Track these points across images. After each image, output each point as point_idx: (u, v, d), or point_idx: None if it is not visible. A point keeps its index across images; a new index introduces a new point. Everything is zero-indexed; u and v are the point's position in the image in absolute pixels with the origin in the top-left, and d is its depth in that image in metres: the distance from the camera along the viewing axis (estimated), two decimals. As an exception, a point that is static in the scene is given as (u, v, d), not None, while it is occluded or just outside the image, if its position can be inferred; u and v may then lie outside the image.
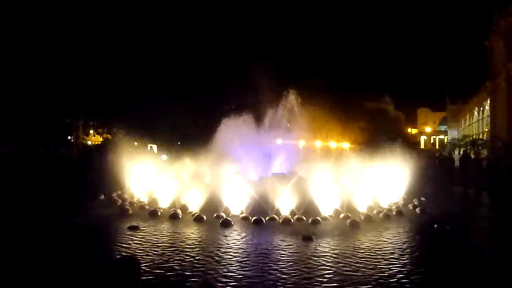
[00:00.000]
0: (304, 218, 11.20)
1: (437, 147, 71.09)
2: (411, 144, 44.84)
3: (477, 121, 52.63)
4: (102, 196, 14.58)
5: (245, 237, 9.47)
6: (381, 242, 9.06)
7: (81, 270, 6.71)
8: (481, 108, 50.01)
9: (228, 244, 8.72)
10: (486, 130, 46.53)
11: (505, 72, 38.38)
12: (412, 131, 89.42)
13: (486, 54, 46.12)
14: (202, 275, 6.59)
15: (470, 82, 53.70)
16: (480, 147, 39.43)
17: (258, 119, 17.95)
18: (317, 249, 8.29)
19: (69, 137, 41.23)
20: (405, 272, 6.93)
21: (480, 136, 47.63)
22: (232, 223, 10.55)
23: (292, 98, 17.75)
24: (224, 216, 11.16)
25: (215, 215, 11.32)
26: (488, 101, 45.22)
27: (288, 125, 17.88)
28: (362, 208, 12.70)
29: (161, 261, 7.34)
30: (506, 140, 35.41)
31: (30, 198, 13.96)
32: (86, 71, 35.71)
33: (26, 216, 11.11)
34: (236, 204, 12.02)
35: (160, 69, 39.08)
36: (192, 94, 38.95)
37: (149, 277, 6.41)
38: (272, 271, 6.86)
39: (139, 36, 39.04)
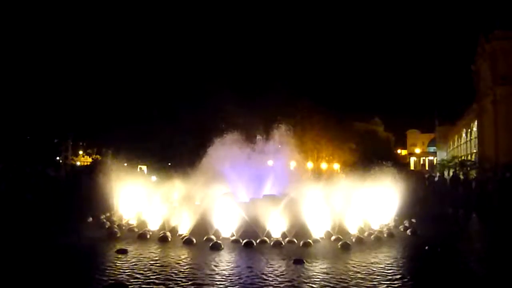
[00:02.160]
0: (295, 241, 11.09)
1: (426, 168, 71.69)
2: (401, 165, 45.15)
3: (465, 143, 53.35)
4: (90, 218, 14.34)
5: (235, 260, 9.34)
6: (373, 264, 8.98)
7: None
8: (469, 130, 50.80)
9: (218, 267, 8.57)
10: (475, 151, 47.16)
11: (491, 95, 39.23)
12: (401, 152, 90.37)
13: (472, 77, 47.17)
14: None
15: (458, 104, 54.66)
16: (469, 168, 39.91)
17: (249, 140, 17.96)
18: (308, 272, 8.18)
19: (57, 158, 40.75)
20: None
21: (469, 157, 48.22)
22: (222, 246, 10.39)
23: (283, 120, 17.86)
24: (214, 239, 11.01)
25: (205, 238, 11.16)
26: (476, 123, 45.99)
27: (279, 146, 17.88)
28: (353, 230, 12.65)
29: (149, 285, 7.17)
30: (494, 161, 35.91)
31: (16, 220, 13.68)
32: (76, 91, 35.60)
33: (12, 238, 10.86)
34: (227, 226, 11.88)
35: (149, 89, 39.12)
36: (182, 115, 38.93)
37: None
38: (263, 296, 6.74)
39: (129, 56, 39.17)
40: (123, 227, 13.03)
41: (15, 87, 32.22)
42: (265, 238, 11.18)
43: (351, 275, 8.03)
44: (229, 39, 48.89)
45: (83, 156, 47.41)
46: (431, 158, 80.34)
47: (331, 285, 7.34)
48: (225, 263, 9.04)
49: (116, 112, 36.44)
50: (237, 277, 7.82)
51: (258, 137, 17.94)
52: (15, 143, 32.09)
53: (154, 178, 23.27)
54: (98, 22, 39.00)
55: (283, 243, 10.89)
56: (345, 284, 7.38)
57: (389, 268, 8.68)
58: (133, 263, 8.70)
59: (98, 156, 38.19)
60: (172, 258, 9.28)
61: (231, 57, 43.26)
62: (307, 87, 49.99)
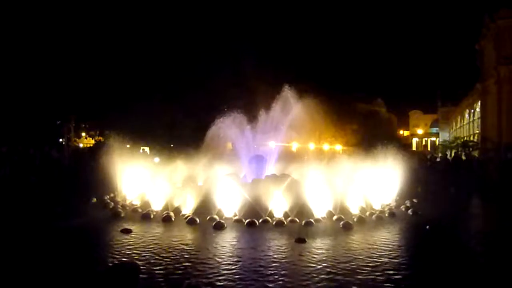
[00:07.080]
0: (297, 220, 11.21)
1: (428, 149, 71.64)
2: (403, 146, 45.11)
3: (468, 123, 53.13)
4: (94, 199, 14.47)
5: (238, 239, 9.46)
6: (374, 243, 9.09)
7: (77, 274, 6.66)
8: (472, 110, 50.50)
9: (221, 246, 8.71)
10: (477, 132, 46.96)
11: (495, 74, 38.81)
12: (404, 133, 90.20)
13: (476, 57, 46.62)
14: (193, 278, 6.57)
15: (461, 85, 54.26)
16: (471, 149, 39.85)
17: (251, 121, 17.94)
18: (310, 251, 8.30)
19: (60, 140, 40.85)
20: (398, 273, 6.96)
21: (471, 138, 48.04)
22: (225, 225, 10.52)
23: (285, 100, 17.78)
24: (217, 218, 11.13)
25: (208, 217, 11.28)
26: (479, 103, 45.68)
27: (281, 127, 17.87)
28: (354, 209, 12.75)
29: (153, 264, 7.30)
30: (496, 142, 35.82)
31: (21, 201, 13.82)
32: (78, 73, 35.52)
33: (17, 219, 11.00)
34: (229, 206, 12.00)
35: (152, 70, 38.94)
36: (184, 96, 38.83)
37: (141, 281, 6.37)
38: (265, 274, 6.85)
39: (131, 38, 38.89)
40: (127, 208, 13.18)
41: (17, 70, 32.12)
42: (268, 217, 11.30)
43: (352, 254, 8.13)
44: (231, 20, 48.33)
45: (86, 138, 47.52)
46: (433, 139, 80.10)
47: (333, 263, 7.45)
48: (228, 242, 9.17)
49: (118, 94, 36.35)
50: (239, 256, 7.94)
51: (260, 118, 17.89)
52: (18, 126, 32.16)
53: (157, 159, 23.36)
54: (100, 4, 38.59)
55: (285, 223, 11.02)
56: (346, 263, 7.48)
57: (390, 247, 8.79)
58: (138, 243, 8.83)
59: (101, 138, 38.22)
60: (176, 238, 9.41)
61: (231, 38, 42.88)
62: (310, 68, 49.66)
